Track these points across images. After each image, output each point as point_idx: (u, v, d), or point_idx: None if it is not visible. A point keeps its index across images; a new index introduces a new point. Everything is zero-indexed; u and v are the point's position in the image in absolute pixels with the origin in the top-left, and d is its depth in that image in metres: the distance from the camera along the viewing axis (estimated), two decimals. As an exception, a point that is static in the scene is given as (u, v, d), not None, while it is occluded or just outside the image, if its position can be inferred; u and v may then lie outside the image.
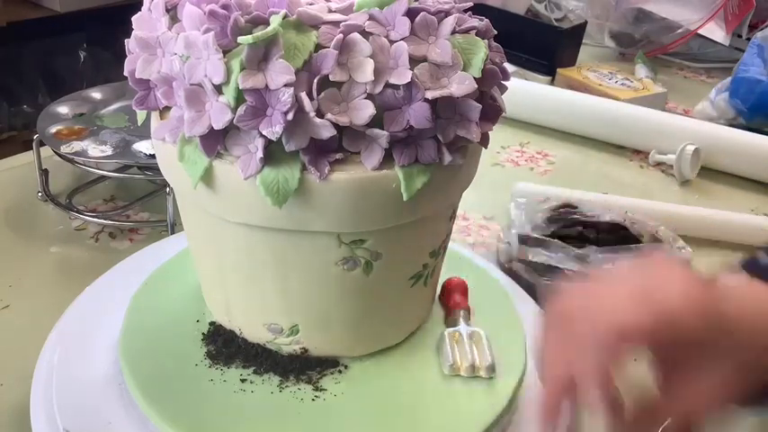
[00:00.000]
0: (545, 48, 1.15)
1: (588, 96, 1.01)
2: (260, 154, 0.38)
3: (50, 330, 0.51)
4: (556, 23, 1.23)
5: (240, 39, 0.37)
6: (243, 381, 0.46)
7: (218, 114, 0.38)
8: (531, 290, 0.60)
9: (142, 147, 0.70)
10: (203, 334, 0.49)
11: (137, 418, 0.44)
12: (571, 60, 1.18)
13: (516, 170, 0.90)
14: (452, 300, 0.53)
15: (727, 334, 0.37)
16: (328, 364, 0.48)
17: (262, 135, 0.38)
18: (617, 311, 0.38)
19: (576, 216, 0.69)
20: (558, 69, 1.13)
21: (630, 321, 0.37)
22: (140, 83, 0.42)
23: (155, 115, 0.44)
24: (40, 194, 0.73)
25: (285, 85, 0.36)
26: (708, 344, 0.37)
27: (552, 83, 1.13)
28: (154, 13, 0.41)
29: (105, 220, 0.70)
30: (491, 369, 0.48)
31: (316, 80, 0.37)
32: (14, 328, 0.57)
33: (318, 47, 0.38)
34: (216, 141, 0.39)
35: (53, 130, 0.72)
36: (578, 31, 1.21)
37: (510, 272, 0.64)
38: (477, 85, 0.39)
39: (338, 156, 0.39)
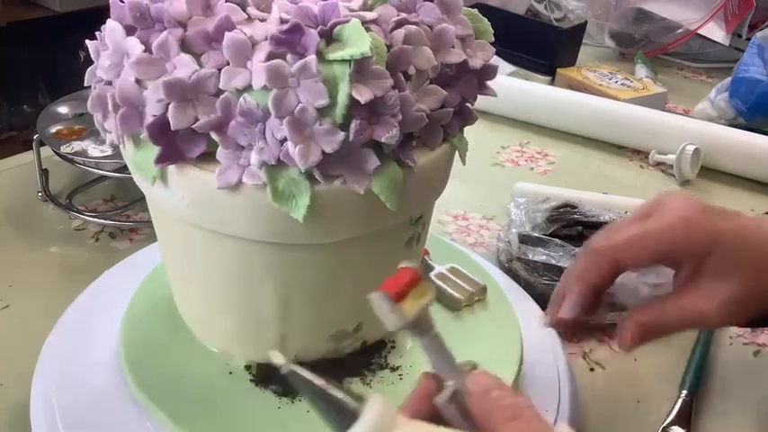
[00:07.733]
0: (545, 48, 1.15)
1: (588, 96, 1.01)
2: (374, 163, 0.37)
3: (50, 330, 0.51)
4: (556, 23, 1.23)
5: (339, 54, 0.35)
6: None
7: (328, 137, 0.36)
8: (530, 289, 0.60)
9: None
10: (251, 381, 0.46)
11: (137, 419, 0.44)
12: (571, 60, 1.18)
13: (516, 170, 0.89)
14: None
15: (724, 248, 0.41)
16: (381, 346, 0.49)
17: (369, 145, 0.37)
18: (614, 232, 0.44)
19: (576, 216, 0.69)
20: (558, 69, 1.13)
21: (620, 238, 0.43)
22: (165, 137, 0.37)
23: (179, 167, 0.38)
24: (40, 194, 0.73)
25: (392, 89, 0.36)
26: (704, 258, 0.42)
27: (552, 83, 1.13)
28: (159, 53, 0.37)
29: (105, 220, 0.70)
30: (484, 290, 0.54)
31: (402, 77, 0.38)
32: (14, 328, 0.57)
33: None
34: (327, 166, 0.37)
35: (53, 130, 0.72)
36: (578, 31, 1.21)
37: (510, 271, 0.64)
38: (494, 49, 0.43)
39: (414, 143, 0.40)
